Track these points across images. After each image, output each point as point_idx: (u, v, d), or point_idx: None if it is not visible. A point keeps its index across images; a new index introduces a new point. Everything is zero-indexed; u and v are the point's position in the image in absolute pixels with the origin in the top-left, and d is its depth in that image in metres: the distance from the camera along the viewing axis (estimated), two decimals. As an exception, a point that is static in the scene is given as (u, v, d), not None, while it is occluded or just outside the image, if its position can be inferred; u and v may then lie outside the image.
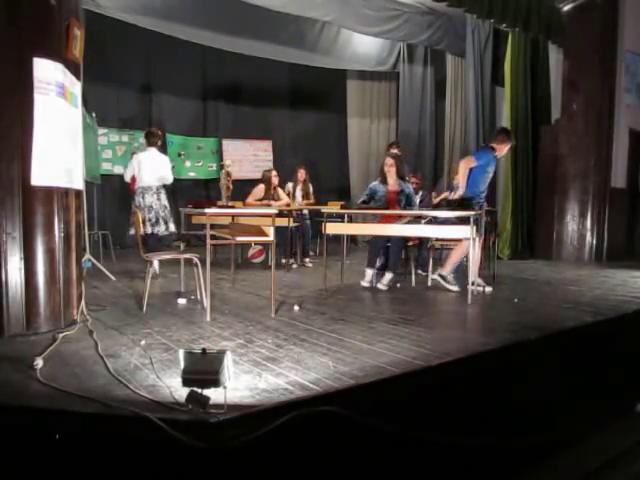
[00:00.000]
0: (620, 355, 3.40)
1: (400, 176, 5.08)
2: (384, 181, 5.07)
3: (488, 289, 4.62)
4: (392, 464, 2.06)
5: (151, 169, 5.36)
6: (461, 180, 4.59)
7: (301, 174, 6.86)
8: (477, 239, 4.34)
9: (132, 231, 4.98)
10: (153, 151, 5.45)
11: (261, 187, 6.41)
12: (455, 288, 4.57)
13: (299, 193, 6.89)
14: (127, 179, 5.62)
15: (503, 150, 4.78)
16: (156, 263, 5.13)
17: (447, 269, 4.67)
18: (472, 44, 7.79)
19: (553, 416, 2.62)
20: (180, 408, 1.87)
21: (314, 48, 8.14)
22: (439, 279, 4.68)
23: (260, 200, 6.33)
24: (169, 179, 5.52)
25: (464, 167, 4.60)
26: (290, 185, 6.96)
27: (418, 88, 9.21)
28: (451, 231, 4.40)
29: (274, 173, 6.48)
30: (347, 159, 9.91)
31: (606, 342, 3.42)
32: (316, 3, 6.67)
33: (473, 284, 4.38)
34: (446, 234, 4.56)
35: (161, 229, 5.31)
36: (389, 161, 5.08)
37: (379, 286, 4.74)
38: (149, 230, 5.19)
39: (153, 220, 5.27)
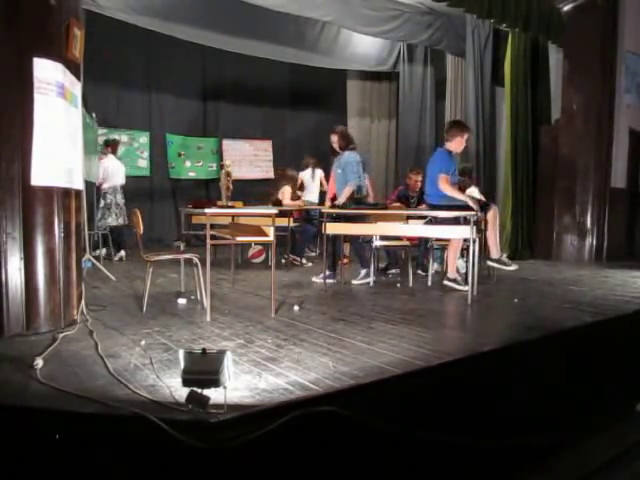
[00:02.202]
0: (620, 355, 3.40)
1: (342, 147, 5.08)
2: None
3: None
4: (392, 464, 2.06)
5: (118, 173, 6.69)
6: (460, 195, 4.53)
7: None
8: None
9: (104, 222, 6.49)
10: (113, 157, 6.74)
11: (288, 189, 6.60)
12: (466, 288, 4.37)
13: (318, 178, 7.22)
14: (100, 180, 6.56)
15: (460, 145, 4.70)
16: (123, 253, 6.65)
17: (452, 271, 4.67)
18: (472, 44, 7.79)
19: (553, 416, 2.62)
20: (180, 408, 1.87)
21: (314, 48, 8.14)
22: (449, 284, 4.62)
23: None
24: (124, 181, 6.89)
25: (449, 185, 4.48)
26: (304, 173, 7.20)
27: (418, 88, 9.21)
28: (451, 231, 4.40)
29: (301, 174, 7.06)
30: (347, 159, 9.90)
31: (606, 342, 3.42)
32: (316, 3, 6.67)
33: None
34: (446, 234, 4.56)
35: (125, 221, 6.61)
36: (332, 138, 5.12)
37: (353, 282, 4.94)
38: (121, 222, 6.58)
39: (124, 214, 6.60)
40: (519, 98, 7.29)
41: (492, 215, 4.60)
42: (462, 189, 5.18)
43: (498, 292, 4.68)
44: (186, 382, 1.86)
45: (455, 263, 4.67)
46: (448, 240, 4.95)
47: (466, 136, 4.73)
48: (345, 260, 5.84)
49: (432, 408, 2.27)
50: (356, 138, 9.60)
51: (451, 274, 4.65)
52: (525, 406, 2.58)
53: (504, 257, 4.75)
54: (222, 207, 4.71)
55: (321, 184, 7.34)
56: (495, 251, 4.66)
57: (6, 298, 2.87)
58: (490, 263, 4.77)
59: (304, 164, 7.31)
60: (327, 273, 4.93)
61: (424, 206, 5.76)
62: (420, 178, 6.13)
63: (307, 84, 9.41)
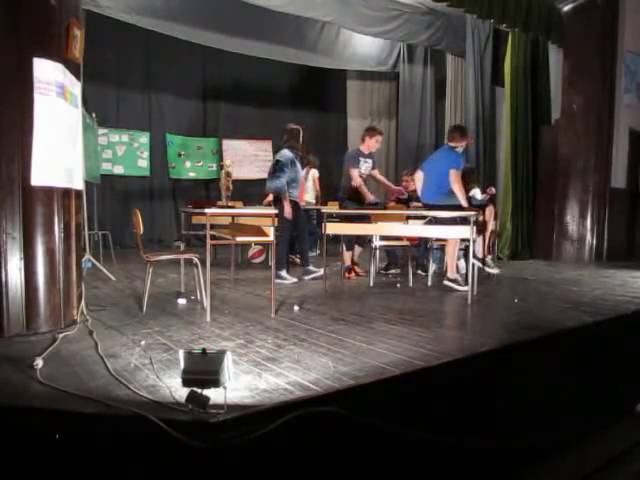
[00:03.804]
0: (620, 355, 3.40)
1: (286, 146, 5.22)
2: None
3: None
4: (392, 464, 2.06)
5: None
6: (463, 196, 4.54)
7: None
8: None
9: None
10: None
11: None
12: (466, 288, 4.37)
13: (311, 178, 7.35)
14: None
15: (462, 146, 4.85)
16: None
17: (452, 271, 4.67)
18: (472, 44, 7.79)
19: (553, 416, 2.62)
20: (180, 408, 1.87)
21: (314, 48, 8.14)
22: (449, 284, 4.62)
23: None
24: None
25: (460, 183, 4.55)
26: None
27: (418, 88, 9.21)
28: (451, 231, 4.40)
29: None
30: (347, 159, 9.91)
31: (606, 342, 3.42)
32: (316, 3, 6.67)
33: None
34: (446, 234, 4.56)
35: None
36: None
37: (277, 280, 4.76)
38: None
39: None
40: (519, 98, 7.29)
41: (488, 214, 4.63)
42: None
43: (498, 292, 4.68)
44: (186, 382, 1.86)
45: (455, 263, 4.68)
46: (447, 240, 4.97)
47: (466, 141, 4.89)
48: (357, 269, 5.60)
49: (432, 408, 2.27)
50: (356, 138, 9.74)
51: (451, 274, 4.65)
52: (525, 406, 2.58)
53: (489, 258, 4.77)
54: (222, 207, 4.71)
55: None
56: (481, 250, 4.70)
57: (6, 298, 2.87)
58: (473, 260, 4.74)
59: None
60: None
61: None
62: (410, 179, 6.10)
63: (307, 84, 9.41)
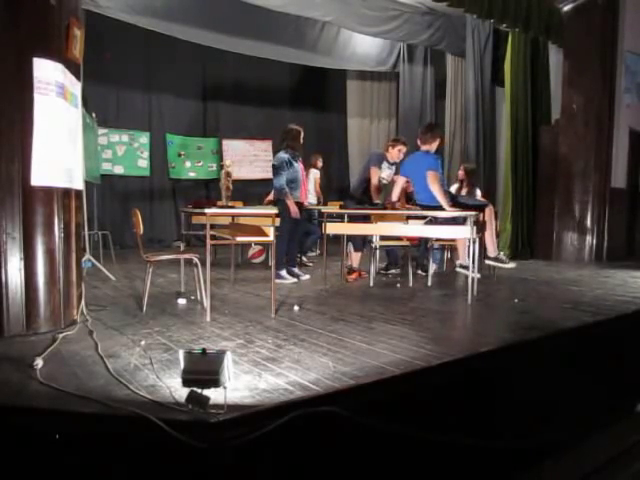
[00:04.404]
0: (620, 355, 3.40)
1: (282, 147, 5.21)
2: None
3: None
4: (392, 464, 2.06)
5: None
6: (442, 197, 4.52)
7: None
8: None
9: None
10: None
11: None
12: (478, 275, 4.38)
13: (312, 178, 7.37)
14: None
15: (435, 146, 4.82)
16: None
17: (463, 257, 4.72)
18: (472, 44, 7.80)
19: (553, 416, 2.62)
20: (180, 408, 1.87)
21: (314, 48, 8.14)
22: (462, 270, 4.72)
23: None
24: None
25: (438, 183, 4.54)
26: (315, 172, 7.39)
27: (418, 88, 9.21)
28: (451, 231, 4.40)
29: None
30: (347, 159, 9.92)
31: (606, 342, 3.42)
32: (316, 3, 6.67)
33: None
34: (446, 234, 4.57)
35: None
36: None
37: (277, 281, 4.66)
38: None
39: None
40: (519, 98, 7.29)
41: (488, 214, 4.64)
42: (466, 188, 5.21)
43: (498, 292, 4.68)
44: (186, 382, 1.86)
45: (466, 251, 4.69)
46: (448, 240, 4.98)
47: (438, 140, 4.86)
48: (361, 272, 5.44)
49: (432, 408, 2.27)
50: (356, 138, 9.76)
51: (463, 261, 4.71)
52: (525, 406, 2.58)
53: (501, 255, 4.81)
54: (222, 207, 4.70)
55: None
56: (492, 249, 4.71)
57: (6, 298, 2.87)
58: (488, 262, 4.81)
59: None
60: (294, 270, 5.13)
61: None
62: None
63: (307, 84, 9.41)
